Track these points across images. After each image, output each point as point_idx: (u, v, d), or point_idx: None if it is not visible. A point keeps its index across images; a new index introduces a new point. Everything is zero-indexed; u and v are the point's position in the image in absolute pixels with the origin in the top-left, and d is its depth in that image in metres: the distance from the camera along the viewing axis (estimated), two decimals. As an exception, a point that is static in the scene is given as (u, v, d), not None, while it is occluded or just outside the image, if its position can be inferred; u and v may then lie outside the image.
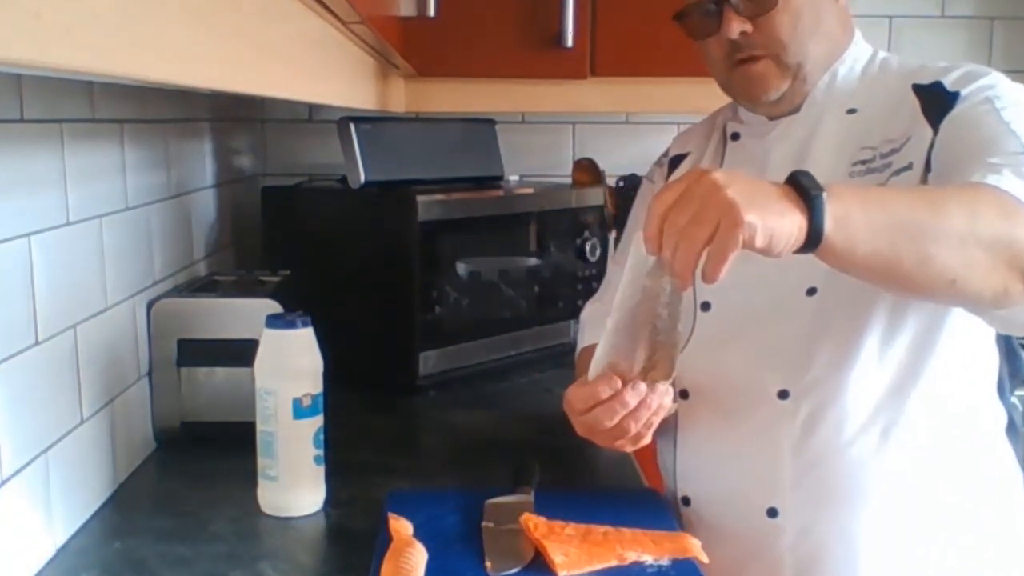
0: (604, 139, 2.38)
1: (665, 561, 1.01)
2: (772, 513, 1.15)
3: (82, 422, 1.16)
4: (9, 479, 0.98)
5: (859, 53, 1.21)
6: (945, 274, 0.92)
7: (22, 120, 1.01)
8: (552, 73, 1.93)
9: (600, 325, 1.29)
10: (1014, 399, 1.21)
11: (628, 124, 2.38)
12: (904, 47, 2.37)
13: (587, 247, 1.97)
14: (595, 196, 2.05)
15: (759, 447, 1.15)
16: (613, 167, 2.16)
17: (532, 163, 2.31)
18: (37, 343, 1.04)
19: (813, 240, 0.88)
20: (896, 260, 0.91)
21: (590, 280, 1.96)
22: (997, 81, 1.09)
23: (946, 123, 1.08)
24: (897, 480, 1.12)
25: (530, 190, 1.96)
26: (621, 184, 2.13)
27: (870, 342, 1.09)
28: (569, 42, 1.88)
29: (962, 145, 1.05)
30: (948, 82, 1.10)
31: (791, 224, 0.87)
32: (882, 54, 1.23)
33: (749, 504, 1.16)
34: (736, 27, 1.14)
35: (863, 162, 1.13)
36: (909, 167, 1.08)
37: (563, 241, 1.98)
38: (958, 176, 1.00)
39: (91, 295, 1.20)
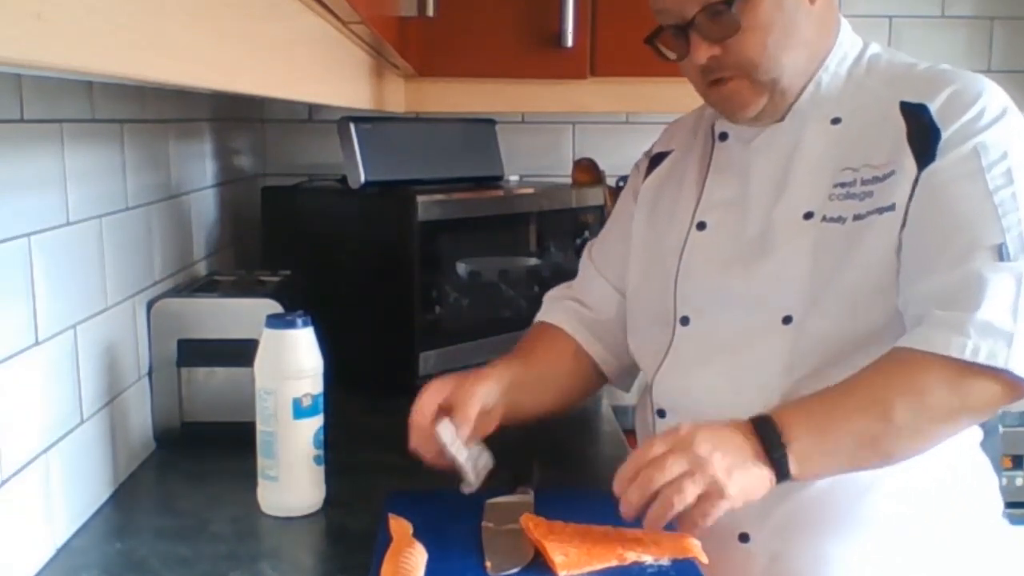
0: (604, 139, 2.37)
1: (665, 561, 1.01)
2: (744, 538, 1.14)
3: (82, 422, 1.16)
4: (9, 479, 0.98)
5: (845, 52, 1.17)
6: (909, 455, 1.03)
7: (22, 120, 1.01)
8: (552, 73, 1.92)
9: (563, 315, 1.36)
10: None
11: (628, 124, 2.38)
12: (904, 47, 2.36)
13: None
14: (595, 196, 2.05)
15: None
16: (613, 167, 2.16)
17: (532, 163, 2.30)
18: (37, 343, 1.04)
19: (781, 480, 0.99)
20: (860, 466, 1.04)
21: (590, 280, 1.96)
22: (985, 108, 1.06)
23: (928, 174, 1.05)
24: (869, 507, 1.10)
25: (530, 190, 1.96)
26: (621, 184, 2.12)
27: (842, 373, 1.05)
28: (569, 42, 1.87)
29: (939, 222, 1.04)
30: (934, 109, 1.07)
31: (761, 482, 0.98)
32: (872, 50, 1.18)
33: (721, 527, 1.15)
34: (704, 53, 1.11)
35: (843, 185, 1.10)
36: (892, 208, 1.06)
37: (563, 241, 1.98)
38: (931, 277, 1.02)
39: (91, 295, 1.20)
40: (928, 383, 0.99)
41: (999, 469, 1.20)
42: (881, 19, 2.38)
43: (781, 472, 0.98)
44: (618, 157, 2.24)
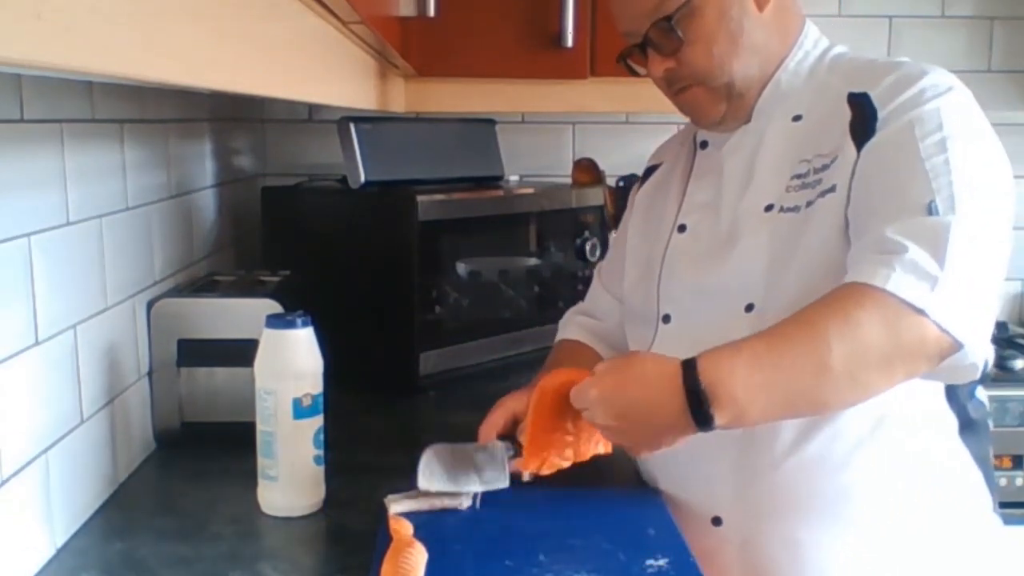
0: (604, 139, 2.38)
1: (663, 562, 1.01)
2: (716, 522, 1.15)
3: (82, 422, 1.16)
4: (9, 479, 0.98)
5: (806, 52, 1.20)
6: (846, 403, 1.02)
7: (22, 120, 1.01)
8: (552, 73, 1.93)
9: (576, 329, 1.45)
10: (981, 397, 1.19)
11: (628, 124, 2.38)
12: (904, 47, 2.37)
13: (587, 247, 1.97)
14: (595, 196, 2.05)
15: (701, 458, 1.14)
16: (613, 167, 2.16)
17: (532, 163, 2.31)
18: (37, 343, 1.04)
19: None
20: (795, 413, 1.05)
21: (590, 280, 1.96)
22: (926, 87, 1.07)
23: (866, 151, 1.07)
24: (841, 491, 1.11)
25: (530, 190, 1.96)
26: (621, 184, 2.13)
27: None
28: (569, 42, 1.88)
29: (875, 189, 1.05)
30: (875, 94, 1.09)
31: (680, 439, 1.02)
32: (837, 50, 1.21)
33: (695, 510, 1.17)
34: (659, 66, 1.19)
35: (799, 176, 1.14)
36: (833, 189, 1.09)
37: (563, 241, 1.98)
38: (866, 235, 1.03)
39: (91, 295, 1.20)
40: (862, 318, 0.97)
41: (989, 467, 1.19)
42: (881, 19, 2.38)
43: (706, 429, 0.99)
44: (618, 157, 2.24)
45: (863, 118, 1.09)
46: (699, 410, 0.97)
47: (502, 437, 1.20)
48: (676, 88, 1.21)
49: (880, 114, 1.08)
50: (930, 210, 1.00)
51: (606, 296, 1.45)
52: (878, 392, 1.00)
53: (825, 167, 1.11)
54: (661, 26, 1.15)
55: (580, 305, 1.51)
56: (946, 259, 0.97)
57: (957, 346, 0.97)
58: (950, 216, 0.99)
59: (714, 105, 1.20)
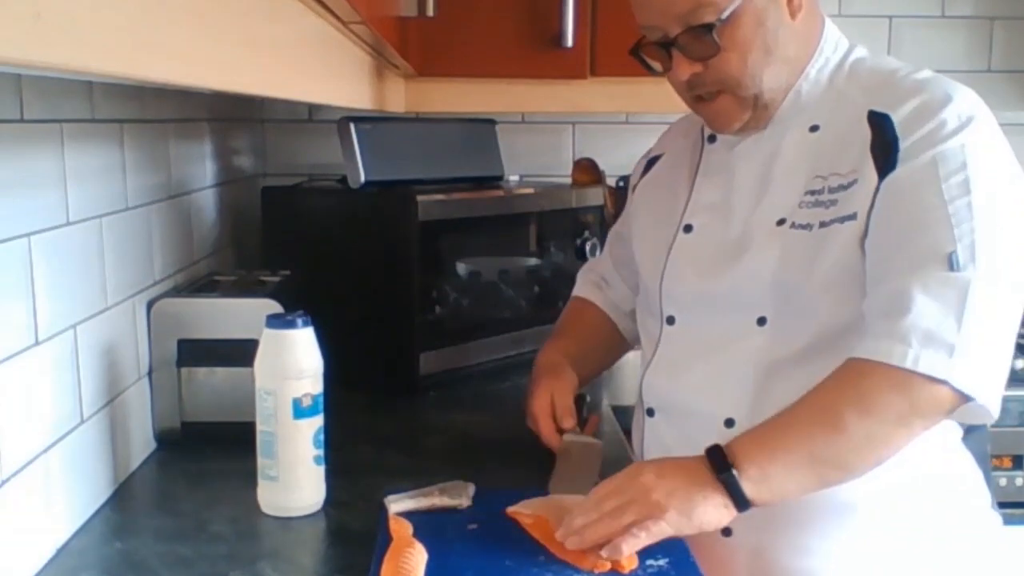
0: (604, 139, 2.38)
1: (663, 562, 1.01)
2: (727, 532, 1.14)
3: (82, 422, 1.16)
4: (9, 479, 0.98)
5: (827, 59, 1.18)
6: (870, 464, 1.02)
7: (22, 120, 1.01)
8: (552, 73, 1.93)
9: (591, 289, 1.51)
10: None
11: (628, 124, 2.38)
12: (904, 47, 2.37)
13: (587, 247, 1.97)
14: (595, 196, 2.05)
15: None
16: (613, 167, 2.16)
17: (532, 163, 2.30)
18: (37, 343, 1.04)
19: (742, 507, 1.00)
20: (824, 482, 1.03)
21: (590, 280, 1.96)
22: (948, 118, 1.05)
23: (886, 186, 1.06)
24: (850, 499, 1.11)
25: (530, 190, 1.96)
26: (621, 184, 2.13)
27: (813, 371, 1.07)
28: (569, 42, 1.88)
29: (895, 229, 1.05)
30: (898, 119, 1.07)
31: (714, 508, 0.99)
32: (857, 54, 1.19)
33: None
34: (686, 70, 1.14)
35: (813, 192, 1.12)
36: (853, 217, 1.07)
37: (563, 241, 1.98)
38: (883, 284, 1.03)
39: (91, 295, 1.20)
40: (873, 388, 0.99)
41: (987, 465, 1.20)
42: (881, 19, 2.38)
43: (737, 496, 0.99)
44: (618, 157, 2.24)
45: (884, 143, 1.07)
46: (719, 465, 1.00)
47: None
48: (696, 94, 1.17)
49: (902, 144, 1.06)
50: (951, 262, 1.00)
51: (610, 265, 1.49)
52: (900, 446, 1.02)
53: (842, 187, 1.09)
54: (697, 32, 1.11)
55: (597, 263, 1.55)
56: (964, 320, 0.98)
57: (970, 400, 0.99)
58: (970, 270, 0.99)
59: (738, 113, 1.17)
